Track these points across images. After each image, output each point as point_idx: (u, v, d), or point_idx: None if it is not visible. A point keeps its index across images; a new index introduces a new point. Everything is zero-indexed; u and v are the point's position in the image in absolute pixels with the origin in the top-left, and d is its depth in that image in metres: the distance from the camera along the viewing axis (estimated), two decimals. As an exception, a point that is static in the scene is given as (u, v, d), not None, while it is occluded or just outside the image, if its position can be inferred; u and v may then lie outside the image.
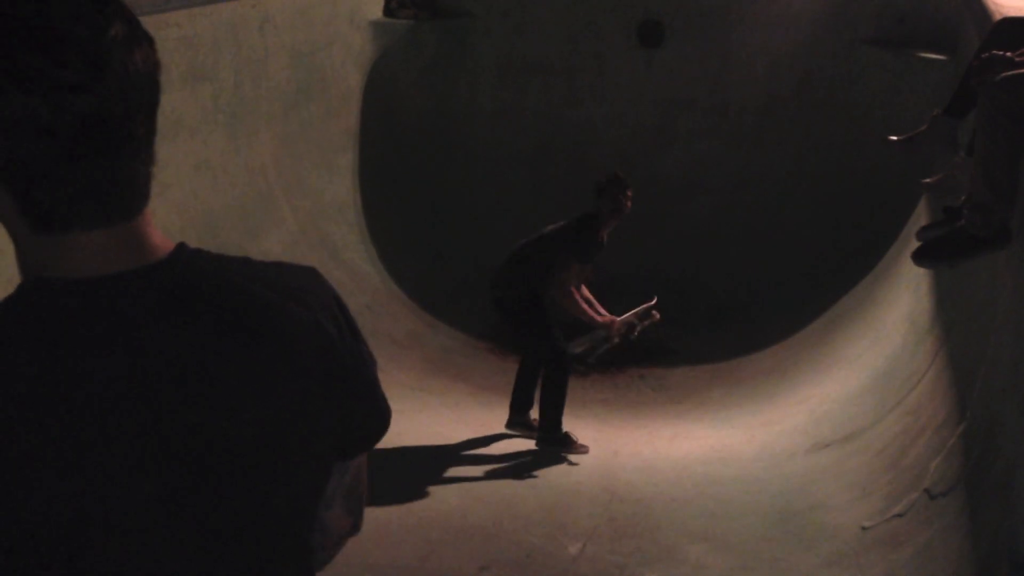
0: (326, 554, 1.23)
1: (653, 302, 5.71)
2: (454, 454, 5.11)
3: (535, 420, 5.37)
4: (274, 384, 1.00)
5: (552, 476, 4.98)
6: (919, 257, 3.54)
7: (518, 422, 5.42)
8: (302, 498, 1.07)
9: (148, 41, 0.94)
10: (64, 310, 0.92)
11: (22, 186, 0.90)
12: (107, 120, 0.88)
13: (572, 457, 5.19)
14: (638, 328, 5.65)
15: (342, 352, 1.07)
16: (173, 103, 5.64)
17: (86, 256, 0.93)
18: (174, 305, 0.95)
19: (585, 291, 5.47)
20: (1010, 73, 3.03)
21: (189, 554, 0.97)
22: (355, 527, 1.28)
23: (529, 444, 5.33)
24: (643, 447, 5.55)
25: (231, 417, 0.97)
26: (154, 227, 0.99)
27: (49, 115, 0.86)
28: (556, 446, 5.26)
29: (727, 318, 7.64)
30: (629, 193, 5.26)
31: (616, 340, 5.58)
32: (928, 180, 4.10)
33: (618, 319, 5.50)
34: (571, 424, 5.42)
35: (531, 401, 5.43)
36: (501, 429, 5.45)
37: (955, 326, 4.40)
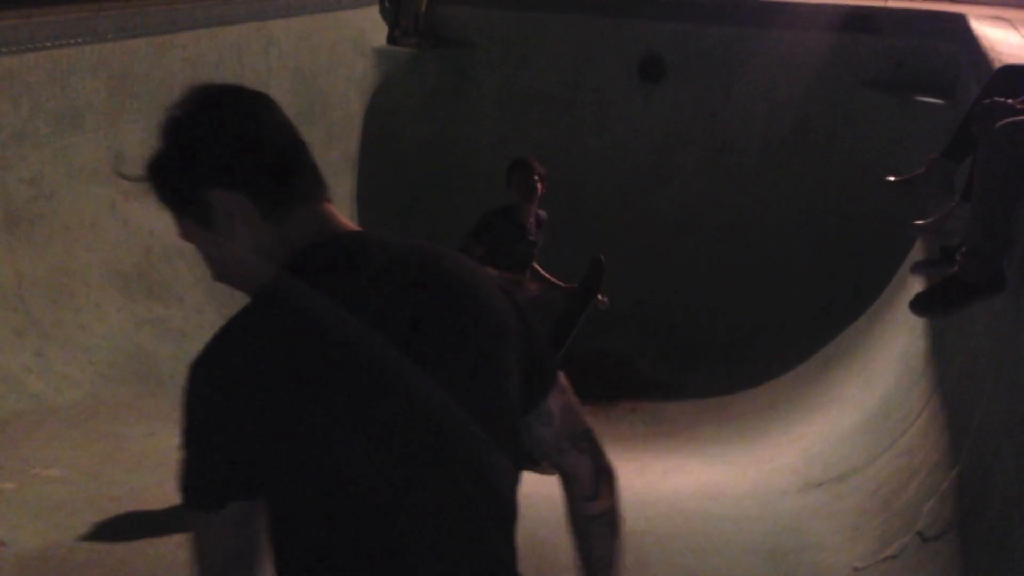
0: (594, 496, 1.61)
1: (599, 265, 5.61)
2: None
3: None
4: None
5: (540, 509, 4.93)
6: (916, 306, 3.52)
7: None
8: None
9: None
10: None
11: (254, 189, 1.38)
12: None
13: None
14: (592, 301, 5.56)
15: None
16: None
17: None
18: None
19: (537, 267, 5.35)
20: (1011, 120, 3.05)
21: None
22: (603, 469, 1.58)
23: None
24: (634, 481, 5.51)
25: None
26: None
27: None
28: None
29: (721, 354, 7.63)
30: (538, 175, 5.02)
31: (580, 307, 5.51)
32: (919, 223, 4.09)
33: (569, 286, 5.53)
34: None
35: None
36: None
37: (950, 369, 4.39)
